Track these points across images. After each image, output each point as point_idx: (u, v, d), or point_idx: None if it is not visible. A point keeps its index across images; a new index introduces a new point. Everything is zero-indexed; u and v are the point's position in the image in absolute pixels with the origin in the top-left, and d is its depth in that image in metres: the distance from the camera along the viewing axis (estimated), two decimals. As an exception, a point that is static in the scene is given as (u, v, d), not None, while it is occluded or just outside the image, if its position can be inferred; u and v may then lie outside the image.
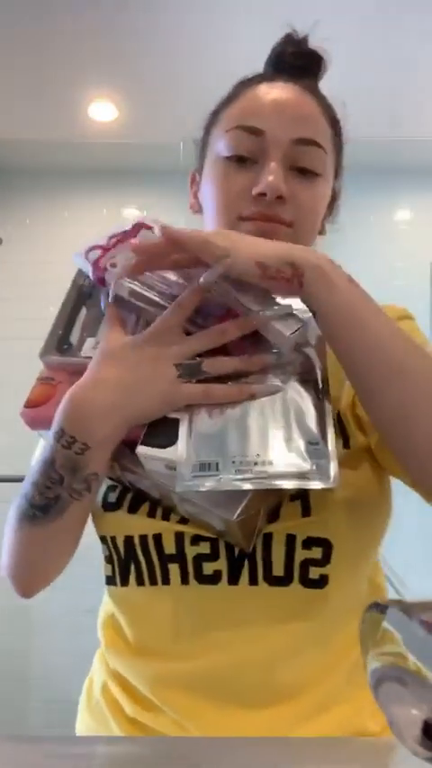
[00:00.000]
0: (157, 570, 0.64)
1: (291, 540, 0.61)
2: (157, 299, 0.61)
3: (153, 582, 0.65)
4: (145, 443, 0.57)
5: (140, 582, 0.65)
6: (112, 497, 0.67)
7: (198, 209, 0.79)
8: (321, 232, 0.78)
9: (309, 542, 0.61)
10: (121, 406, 0.56)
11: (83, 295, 0.68)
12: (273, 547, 0.61)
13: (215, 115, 0.76)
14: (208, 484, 0.53)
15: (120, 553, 0.66)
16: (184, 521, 0.63)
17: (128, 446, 0.59)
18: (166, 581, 0.64)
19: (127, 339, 0.60)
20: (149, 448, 0.56)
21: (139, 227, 0.66)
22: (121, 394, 0.56)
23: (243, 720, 0.62)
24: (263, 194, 0.66)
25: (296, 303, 0.59)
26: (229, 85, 0.76)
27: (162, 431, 0.57)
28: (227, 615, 0.62)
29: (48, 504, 0.59)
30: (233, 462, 0.53)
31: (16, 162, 2.83)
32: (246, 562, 0.62)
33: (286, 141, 0.68)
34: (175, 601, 0.64)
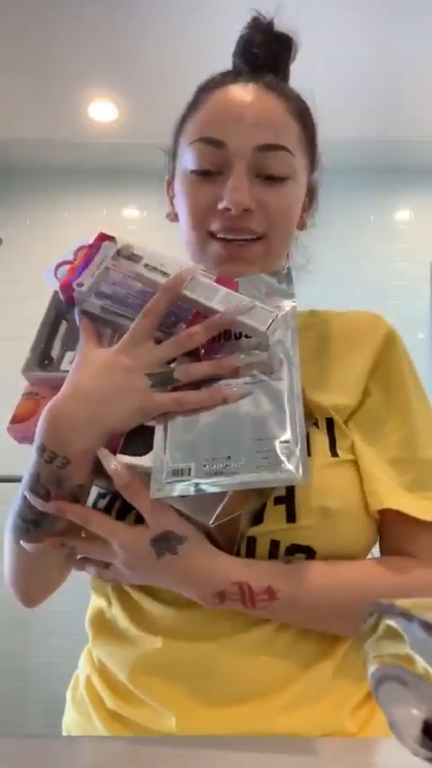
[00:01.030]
0: None
1: (274, 545, 0.61)
2: (128, 313, 0.62)
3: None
4: (123, 452, 0.58)
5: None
6: (102, 504, 0.66)
7: (175, 217, 0.78)
8: (303, 227, 0.78)
9: (292, 549, 0.60)
10: (97, 418, 0.57)
11: (62, 309, 0.68)
12: (256, 551, 0.61)
13: (182, 122, 0.75)
14: (179, 488, 0.53)
15: None
16: None
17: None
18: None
19: (100, 351, 0.60)
20: (127, 456, 0.57)
21: (100, 239, 0.65)
22: (96, 407, 0.57)
23: (220, 713, 0.61)
24: (228, 209, 0.66)
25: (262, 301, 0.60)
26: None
27: (140, 439, 0.58)
28: (208, 612, 0.62)
29: (38, 518, 0.60)
30: (204, 466, 0.54)
31: (16, 162, 2.83)
32: None
33: (249, 150, 0.67)
34: (161, 595, 0.64)
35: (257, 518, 0.61)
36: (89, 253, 0.64)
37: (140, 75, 2.32)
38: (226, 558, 0.58)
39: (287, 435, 0.54)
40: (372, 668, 0.38)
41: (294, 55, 0.77)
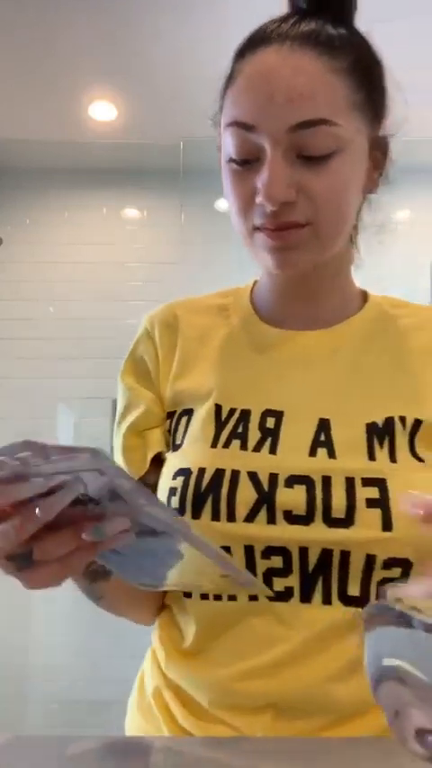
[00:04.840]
0: None
1: (370, 559, 0.58)
2: None
3: (217, 597, 0.63)
4: None
5: (204, 596, 0.64)
6: (174, 502, 0.63)
7: None
8: (372, 190, 0.71)
9: (389, 563, 0.58)
10: None
11: None
12: (350, 565, 0.59)
13: (225, 89, 0.66)
14: None
15: None
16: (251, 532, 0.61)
17: None
18: (231, 596, 0.62)
19: None
20: None
21: None
22: None
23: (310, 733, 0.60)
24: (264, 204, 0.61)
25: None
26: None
27: None
28: (297, 633, 0.60)
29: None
30: None
31: (16, 162, 2.83)
32: (320, 579, 0.60)
33: (282, 132, 0.59)
34: (241, 617, 0.62)
35: (348, 519, 0.58)
36: None
37: (140, 75, 2.32)
38: None
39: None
40: (371, 668, 0.37)
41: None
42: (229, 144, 0.63)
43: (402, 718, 0.35)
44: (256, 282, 0.78)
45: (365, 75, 0.64)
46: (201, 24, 2.07)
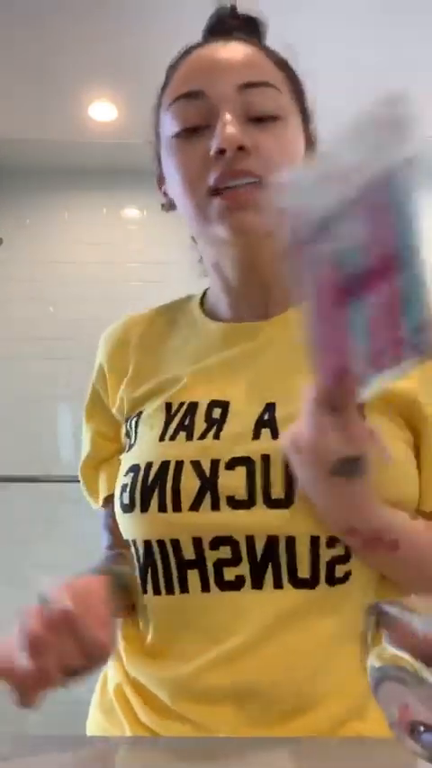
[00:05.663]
0: (174, 578, 0.63)
1: (315, 541, 0.60)
2: None
3: (170, 591, 0.64)
4: None
5: (157, 591, 0.65)
6: (126, 498, 0.65)
7: (170, 206, 0.77)
8: None
9: (333, 541, 0.60)
10: None
11: None
12: (296, 549, 0.60)
13: (158, 107, 0.71)
14: None
15: (139, 558, 0.66)
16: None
17: None
18: (184, 589, 0.63)
19: None
20: None
21: None
22: None
23: (272, 729, 0.59)
24: (222, 151, 0.61)
25: None
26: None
27: None
28: (252, 621, 0.60)
29: None
30: None
31: (16, 162, 2.83)
32: (269, 565, 0.60)
33: (232, 90, 0.63)
34: (196, 611, 0.63)
35: (288, 500, 0.60)
36: None
37: (140, 75, 2.31)
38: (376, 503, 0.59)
39: None
40: (372, 668, 0.37)
41: (264, 31, 0.74)
42: (173, 120, 0.65)
43: (402, 717, 0.35)
44: (206, 291, 0.81)
45: (291, 77, 0.69)
46: (201, 25, 2.06)
